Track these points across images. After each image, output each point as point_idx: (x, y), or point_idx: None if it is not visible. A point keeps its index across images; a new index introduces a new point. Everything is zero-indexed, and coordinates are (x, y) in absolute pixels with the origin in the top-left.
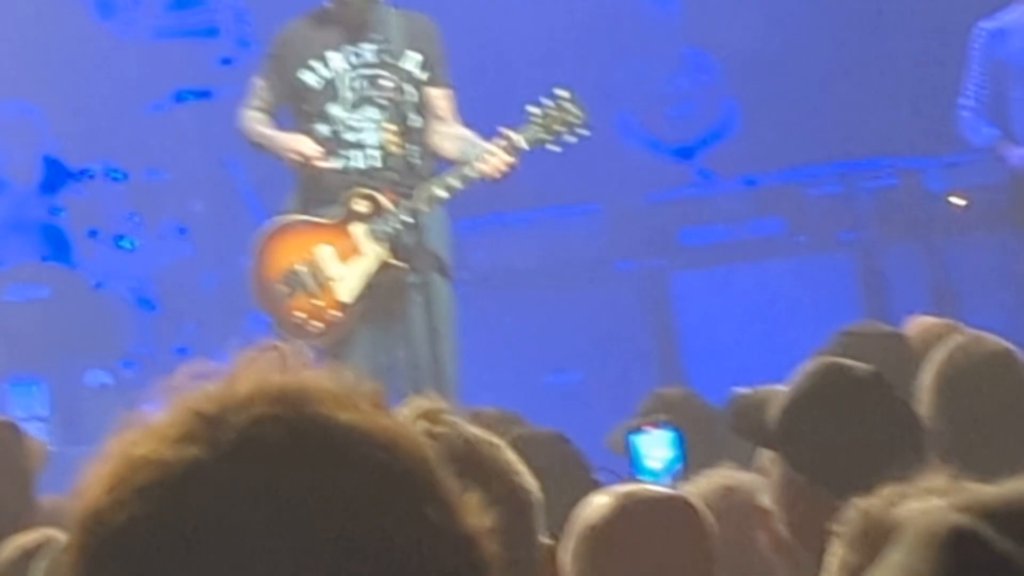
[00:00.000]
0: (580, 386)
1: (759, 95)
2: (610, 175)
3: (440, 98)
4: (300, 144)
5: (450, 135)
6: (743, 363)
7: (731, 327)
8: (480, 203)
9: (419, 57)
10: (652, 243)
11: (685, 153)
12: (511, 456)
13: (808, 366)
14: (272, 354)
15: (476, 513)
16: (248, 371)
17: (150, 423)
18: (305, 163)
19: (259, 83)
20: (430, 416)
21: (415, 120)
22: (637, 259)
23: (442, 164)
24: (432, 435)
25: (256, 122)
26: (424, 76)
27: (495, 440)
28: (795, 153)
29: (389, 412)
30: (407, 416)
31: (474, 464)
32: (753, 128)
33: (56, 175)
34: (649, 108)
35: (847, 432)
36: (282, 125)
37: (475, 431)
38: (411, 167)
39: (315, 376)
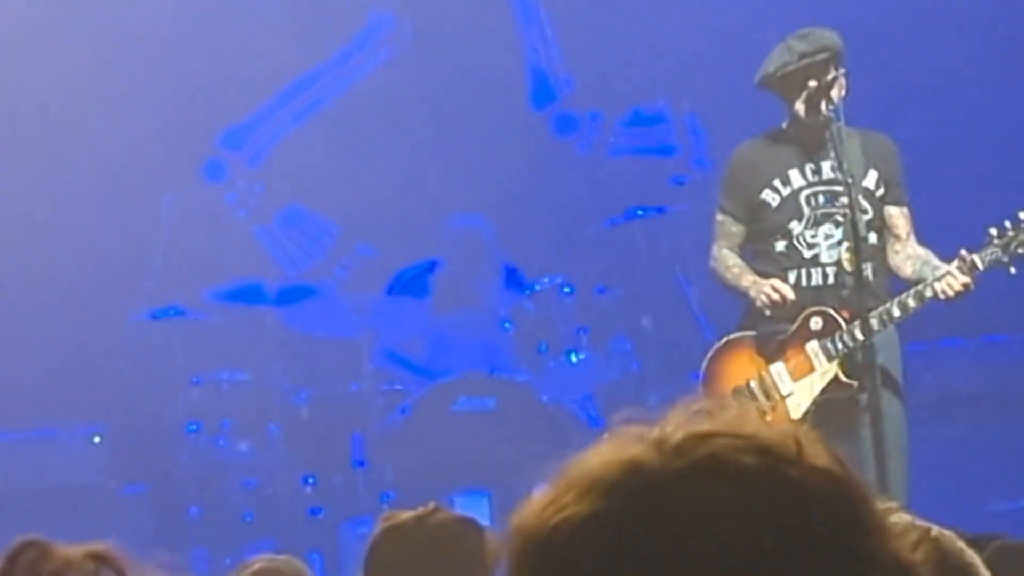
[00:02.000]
0: None
1: None
2: None
3: (898, 216)
4: (774, 292)
5: (907, 254)
6: None
7: None
8: (929, 327)
9: (876, 175)
10: None
11: None
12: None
13: None
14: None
15: (907, 547)
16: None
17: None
18: (775, 308)
19: (723, 219)
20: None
21: (872, 238)
22: None
23: (895, 282)
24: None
25: (730, 263)
26: (881, 193)
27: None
28: None
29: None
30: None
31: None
32: None
33: (514, 287)
34: None
35: None
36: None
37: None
38: (865, 285)
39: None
